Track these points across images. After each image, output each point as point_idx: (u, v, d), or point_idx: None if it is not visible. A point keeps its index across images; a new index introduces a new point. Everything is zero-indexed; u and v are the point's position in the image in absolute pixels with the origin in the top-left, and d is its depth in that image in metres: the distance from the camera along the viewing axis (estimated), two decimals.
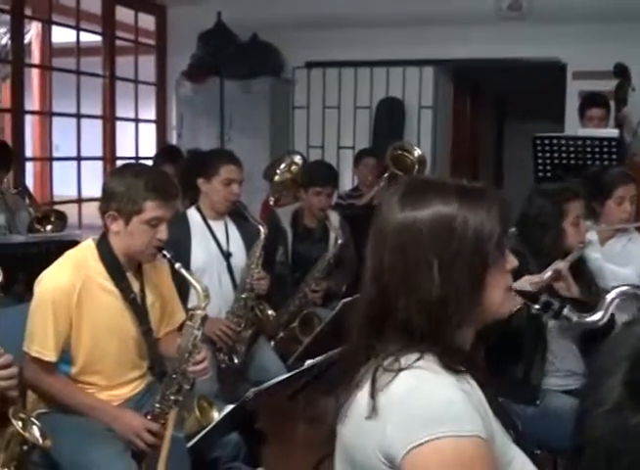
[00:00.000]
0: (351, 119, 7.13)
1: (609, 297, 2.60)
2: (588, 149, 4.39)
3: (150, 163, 5.66)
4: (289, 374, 2.92)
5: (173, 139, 7.26)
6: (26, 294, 3.04)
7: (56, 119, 6.63)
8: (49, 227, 4.56)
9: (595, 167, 4.30)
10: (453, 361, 1.34)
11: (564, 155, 4.46)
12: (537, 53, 6.39)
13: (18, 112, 6.00)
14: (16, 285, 3.49)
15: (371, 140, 6.94)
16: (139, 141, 7.29)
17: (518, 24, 6.37)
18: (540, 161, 4.52)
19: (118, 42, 6.95)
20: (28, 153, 6.40)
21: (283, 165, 5.48)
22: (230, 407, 2.74)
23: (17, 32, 5.93)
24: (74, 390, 2.70)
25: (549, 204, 3.07)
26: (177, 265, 2.71)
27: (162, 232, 2.69)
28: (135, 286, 2.78)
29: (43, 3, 6.25)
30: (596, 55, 5.87)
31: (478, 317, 1.41)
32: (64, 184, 6.58)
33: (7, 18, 6.06)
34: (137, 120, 7.30)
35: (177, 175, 4.55)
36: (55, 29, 6.58)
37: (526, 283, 2.76)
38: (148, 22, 7.35)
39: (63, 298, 2.60)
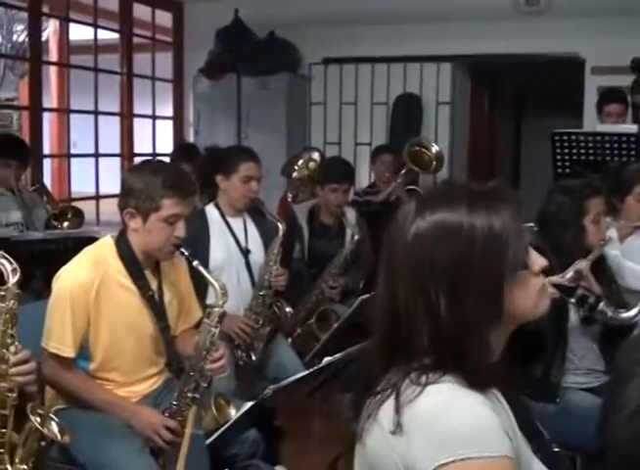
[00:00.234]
0: (368, 116, 7.10)
1: None
2: (607, 145, 4.35)
3: (167, 159, 5.66)
4: (307, 372, 2.92)
5: (190, 136, 7.27)
6: (44, 290, 3.05)
7: (73, 117, 6.67)
8: (66, 224, 4.56)
9: (614, 163, 4.27)
10: (480, 378, 1.30)
11: (582, 151, 4.41)
12: (555, 48, 6.34)
13: (35, 109, 6.03)
14: (34, 282, 3.51)
15: (388, 136, 6.90)
16: (156, 138, 7.31)
17: (535, 19, 6.33)
18: (559, 157, 4.48)
19: (136, 39, 6.97)
20: (46, 150, 6.45)
21: (300, 162, 5.46)
22: (249, 404, 2.75)
23: (34, 30, 5.96)
24: (93, 386, 2.70)
25: (569, 200, 3.01)
26: (195, 263, 2.71)
27: (180, 229, 2.69)
28: (153, 283, 2.78)
29: (61, 0, 6.27)
30: (615, 50, 5.81)
31: (507, 325, 1.37)
32: (81, 181, 6.59)
33: (24, 15, 6.12)
34: (154, 117, 7.32)
35: (194, 172, 4.55)
36: (72, 27, 6.62)
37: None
38: (165, 18, 7.37)
39: (81, 294, 2.61)
